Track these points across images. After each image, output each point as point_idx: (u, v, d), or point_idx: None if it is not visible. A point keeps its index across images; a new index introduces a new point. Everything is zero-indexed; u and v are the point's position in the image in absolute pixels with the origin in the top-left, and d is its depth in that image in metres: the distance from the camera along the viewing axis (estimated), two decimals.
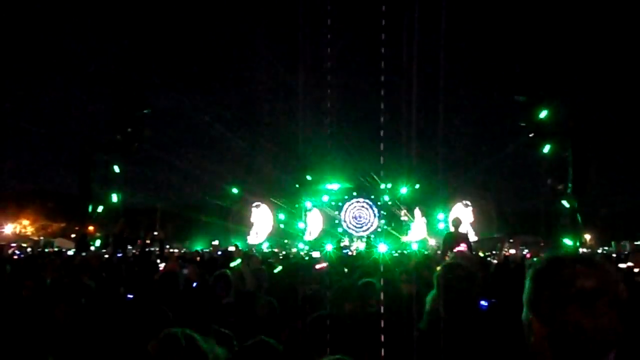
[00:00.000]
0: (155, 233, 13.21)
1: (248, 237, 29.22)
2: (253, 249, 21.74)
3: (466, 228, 30.23)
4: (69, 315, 3.30)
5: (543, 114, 23.37)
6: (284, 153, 27.57)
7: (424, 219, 30.60)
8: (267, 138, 26.92)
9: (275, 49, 28.33)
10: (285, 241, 28.36)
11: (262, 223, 30.33)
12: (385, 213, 31.68)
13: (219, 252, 10.65)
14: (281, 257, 12.02)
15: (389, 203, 31.65)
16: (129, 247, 11.76)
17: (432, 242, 25.86)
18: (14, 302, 4.12)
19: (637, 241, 22.79)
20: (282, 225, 29.69)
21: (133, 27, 21.85)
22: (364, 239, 27.50)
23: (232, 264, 6.42)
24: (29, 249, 20.54)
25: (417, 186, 30.65)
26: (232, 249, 10.17)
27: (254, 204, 30.13)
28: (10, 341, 3.08)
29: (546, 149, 23.43)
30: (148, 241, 12.68)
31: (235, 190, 29.19)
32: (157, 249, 12.85)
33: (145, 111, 22.71)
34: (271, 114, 27.46)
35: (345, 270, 8.38)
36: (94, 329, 3.02)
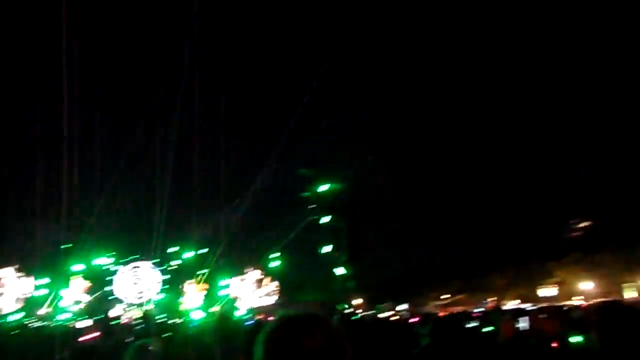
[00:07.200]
0: None
1: None
2: None
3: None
4: None
5: (324, 187, 25.55)
6: (50, 209, 24.00)
7: (204, 286, 29.59)
8: (29, 193, 23.08)
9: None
10: (46, 311, 24.27)
11: (13, 290, 25.63)
12: (169, 278, 29.75)
13: None
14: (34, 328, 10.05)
15: (175, 267, 29.91)
16: None
17: (216, 309, 25.00)
18: None
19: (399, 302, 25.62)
20: (40, 293, 25.39)
21: None
22: (142, 307, 25.27)
23: None
24: None
25: (205, 250, 29.75)
26: None
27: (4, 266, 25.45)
28: None
29: (325, 219, 25.41)
30: None
31: None
32: None
33: None
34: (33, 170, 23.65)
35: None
36: None
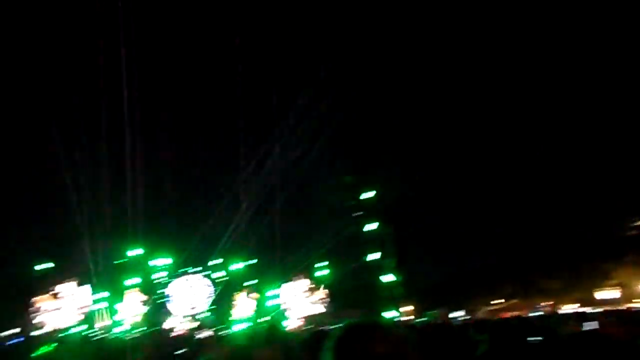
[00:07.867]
0: None
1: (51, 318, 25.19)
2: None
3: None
4: None
5: (369, 194, 25.41)
6: (105, 223, 24.76)
7: (253, 296, 29.77)
8: (84, 206, 23.82)
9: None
10: (103, 324, 25.17)
11: (74, 304, 26.66)
12: (218, 289, 30.15)
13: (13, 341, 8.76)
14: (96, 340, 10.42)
15: (224, 279, 30.32)
16: None
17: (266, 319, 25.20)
18: None
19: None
20: (98, 307, 26.28)
21: None
22: (196, 318, 25.78)
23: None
24: None
25: (255, 261, 29.99)
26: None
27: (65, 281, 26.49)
28: None
29: (371, 226, 25.21)
30: None
31: (43, 266, 25.24)
32: None
33: None
34: (90, 179, 24.34)
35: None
36: None
